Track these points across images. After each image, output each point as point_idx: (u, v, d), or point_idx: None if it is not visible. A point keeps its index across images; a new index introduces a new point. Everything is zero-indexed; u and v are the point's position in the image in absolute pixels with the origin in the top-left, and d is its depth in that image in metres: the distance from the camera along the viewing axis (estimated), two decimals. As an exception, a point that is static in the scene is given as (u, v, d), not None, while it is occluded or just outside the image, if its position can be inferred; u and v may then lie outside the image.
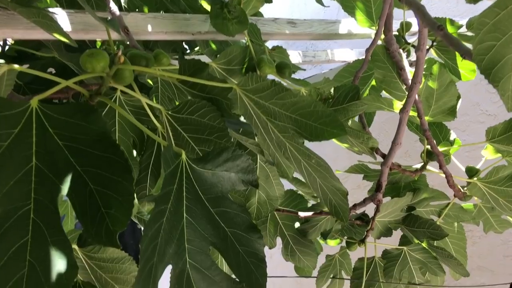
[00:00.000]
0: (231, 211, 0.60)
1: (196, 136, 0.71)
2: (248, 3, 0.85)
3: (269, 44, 1.23)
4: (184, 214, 0.56)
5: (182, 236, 0.56)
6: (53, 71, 1.13)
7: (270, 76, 0.93)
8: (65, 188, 0.47)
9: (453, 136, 1.17)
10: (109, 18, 0.87)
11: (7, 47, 1.24)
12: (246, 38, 0.88)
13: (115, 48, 0.62)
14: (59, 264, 0.45)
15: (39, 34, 0.84)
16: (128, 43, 0.95)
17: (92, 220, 0.46)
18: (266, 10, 1.40)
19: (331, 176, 0.60)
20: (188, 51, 1.44)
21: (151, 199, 0.50)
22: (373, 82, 1.23)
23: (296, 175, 1.36)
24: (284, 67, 0.88)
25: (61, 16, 0.85)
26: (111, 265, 0.76)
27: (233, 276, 0.59)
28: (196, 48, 1.42)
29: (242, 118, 0.83)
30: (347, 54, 1.69)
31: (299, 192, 1.33)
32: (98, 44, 1.27)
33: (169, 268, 0.54)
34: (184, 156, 0.58)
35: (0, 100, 0.47)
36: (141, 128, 0.66)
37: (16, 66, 0.59)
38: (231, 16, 0.83)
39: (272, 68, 0.86)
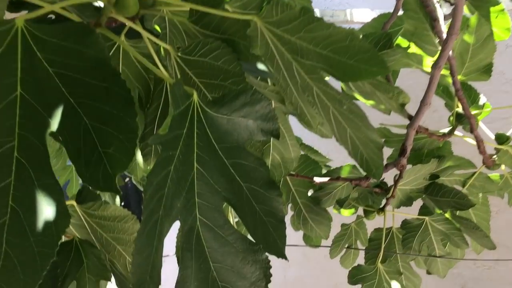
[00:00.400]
0: (247, 163, 0.53)
1: (209, 81, 0.63)
2: None
3: None
4: (195, 164, 0.49)
5: (192, 189, 0.48)
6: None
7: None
8: (55, 123, 0.39)
9: (482, 100, 1.08)
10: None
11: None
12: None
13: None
14: (47, 211, 0.37)
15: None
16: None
17: (87, 161, 0.38)
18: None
19: (365, 125, 0.52)
20: None
21: (158, 141, 0.42)
22: (399, 40, 1.13)
23: (308, 141, 1.29)
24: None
25: None
26: (112, 223, 0.69)
27: (249, 236, 0.52)
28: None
29: (260, 66, 0.74)
30: (367, 14, 1.59)
31: (313, 158, 1.25)
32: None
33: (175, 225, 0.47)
34: (195, 97, 0.50)
35: (-23, 15, 0.39)
36: (150, 67, 0.58)
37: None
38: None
39: (293, 13, 0.77)
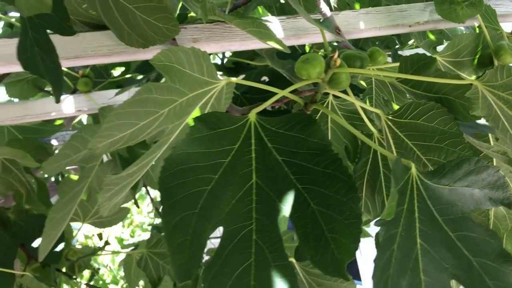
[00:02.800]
0: (475, 235, 0.49)
1: (422, 143, 0.61)
2: (480, -19, 0.71)
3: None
4: (418, 240, 0.48)
5: (417, 266, 0.47)
6: (267, 79, 1.15)
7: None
8: (286, 208, 0.43)
9: None
10: (321, 19, 0.83)
11: (225, 60, 1.32)
12: (478, 22, 0.74)
13: (330, 50, 0.57)
14: (282, 292, 0.41)
15: (253, 44, 0.85)
16: (336, 43, 0.90)
17: (316, 245, 0.41)
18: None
19: None
20: (398, 45, 1.32)
21: (380, 224, 0.42)
22: None
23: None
24: (531, 54, 0.71)
25: (274, 24, 0.84)
26: (329, 282, 0.71)
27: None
28: (410, 42, 1.30)
29: (481, 121, 0.69)
30: None
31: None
32: (307, 48, 1.25)
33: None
34: (414, 169, 0.49)
35: (220, 115, 0.46)
36: (358, 135, 0.60)
37: (233, 79, 0.59)
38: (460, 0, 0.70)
39: (515, 56, 0.70)
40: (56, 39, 0.68)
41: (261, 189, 0.45)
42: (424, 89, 0.63)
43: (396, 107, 0.87)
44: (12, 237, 1.02)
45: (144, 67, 1.09)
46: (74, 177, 1.03)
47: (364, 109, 0.70)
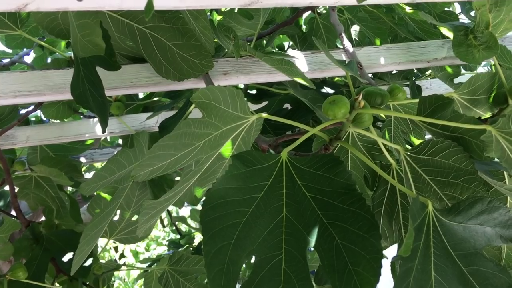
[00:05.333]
0: (486, 270, 0.53)
1: (439, 179, 0.65)
2: (498, 26, 0.75)
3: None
4: (432, 273, 0.52)
5: (432, 298, 0.51)
6: (289, 106, 1.20)
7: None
8: (312, 240, 0.48)
9: None
10: (343, 56, 0.88)
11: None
12: (493, 61, 0.78)
13: (354, 91, 0.62)
14: (308, 318, 0.45)
15: (279, 77, 0.90)
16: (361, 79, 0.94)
17: (340, 276, 0.45)
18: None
19: None
20: (419, 75, 1.37)
21: (397, 258, 0.47)
22: None
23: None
24: (544, 95, 0.75)
25: (300, 59, 0.90)
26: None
27: None
28: (428, 72, 1.34)
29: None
30: None
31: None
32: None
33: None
34: (430, 207, 0.53)
35: (256, 153, 0.51)
36: (377, 170, 0.64)
37: (264, 114, 0.64)
38: (477, 42, 0.74)
39: (529, 96, 0.74)
40: (99, 70, 0.75)
41: (290, 222, 0.49)
42: (441, 128, 0.68)
43: (414, 139, 0.91)
44: (44, 251, 1.08)
45: (173, 92, 1.15)
46: (104, 194, 1.08)
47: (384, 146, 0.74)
